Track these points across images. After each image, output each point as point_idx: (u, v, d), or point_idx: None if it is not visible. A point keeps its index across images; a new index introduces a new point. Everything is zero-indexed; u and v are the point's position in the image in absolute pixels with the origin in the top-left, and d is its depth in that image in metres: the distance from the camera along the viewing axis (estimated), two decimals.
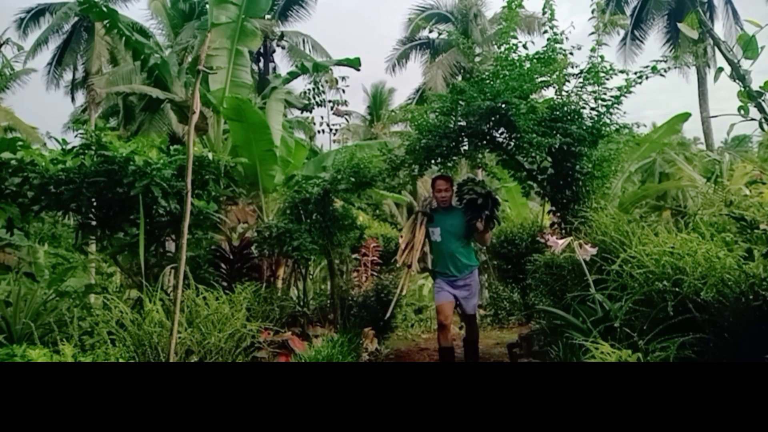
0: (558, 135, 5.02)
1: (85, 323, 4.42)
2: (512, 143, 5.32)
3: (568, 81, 5.38)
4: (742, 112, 2.55)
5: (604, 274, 3.84)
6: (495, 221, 5.01)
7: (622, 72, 5.19)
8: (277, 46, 20.21)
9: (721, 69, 2.64)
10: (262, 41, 16.66)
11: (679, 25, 2.89)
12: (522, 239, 7.96)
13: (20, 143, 5.02)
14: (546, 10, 5.48)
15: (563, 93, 5.37)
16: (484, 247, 9.20)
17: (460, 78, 19.96)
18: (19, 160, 4.81)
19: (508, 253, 8.18)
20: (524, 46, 5.42)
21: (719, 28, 21.27)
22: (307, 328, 5.83)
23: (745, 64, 2.55)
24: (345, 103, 13.04)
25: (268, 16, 18.21)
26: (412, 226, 5.09)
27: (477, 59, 8.59)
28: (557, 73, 5.33)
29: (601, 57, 5.24)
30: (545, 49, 5.36)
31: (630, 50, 22.22)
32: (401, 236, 5.09)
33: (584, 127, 5.07)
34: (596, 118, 5.18)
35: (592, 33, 5.43)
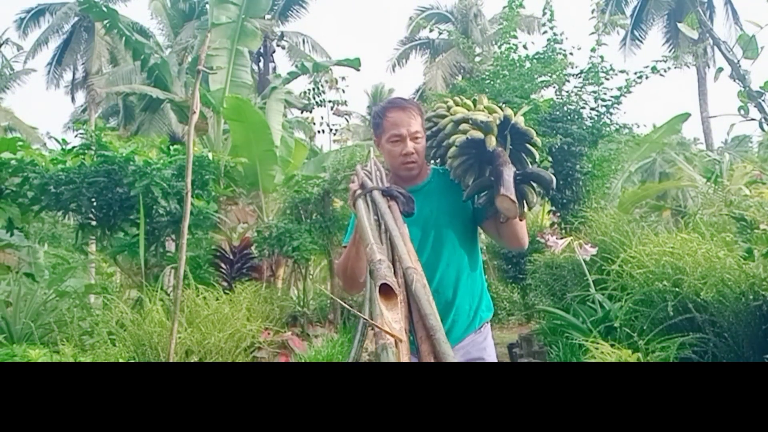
0: (558, 135, 5.03)
1: (85, 323, 4.43)
2: None
3: (568, 81, 5.39)
4: (742, 112, 2.55)
5: (604, 274, 3.84)
6: (540, 187, 1.69)
7: (622, 72, 5.21)
8: (277, 46, 20.21)
9: (721, 69, 2.64)
10: (262, 41, 16.67)
11: (679, 25, 2.89)
12: None
13: (20, 143, 5.02)
14: (546, 10, 5.49)
15: (563, 93, 5.37)
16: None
17: (460, 78, 19.98)
18: (19, 160, 4.80)
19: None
20: (524, 47, 5.43)
21: (719, 28, 21.29)
22: (307, 328, 5.83)
23: (745, 64, 2.55)
24: (345, 103, 13.04)
25: (268, 16, 18.21)
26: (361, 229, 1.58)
27: (477, 59, 8.59)
28: (557, 73, 5.34)
29: (601, 57, 5.25)
30: (545, 49, 5.37)
31: (630, 50, 22.23)
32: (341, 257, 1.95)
33: (584, 127, 5.09)
34: (596, 118, 5.19)
35: (593, 33, 5.45)
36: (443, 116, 1.86)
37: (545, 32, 5.46)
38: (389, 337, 1.00)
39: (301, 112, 14.67)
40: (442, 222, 1.91)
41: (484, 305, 1.97)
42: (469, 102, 1.83)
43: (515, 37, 5.45)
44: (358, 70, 9.76)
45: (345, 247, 1.92)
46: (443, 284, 1.87)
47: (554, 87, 5.44)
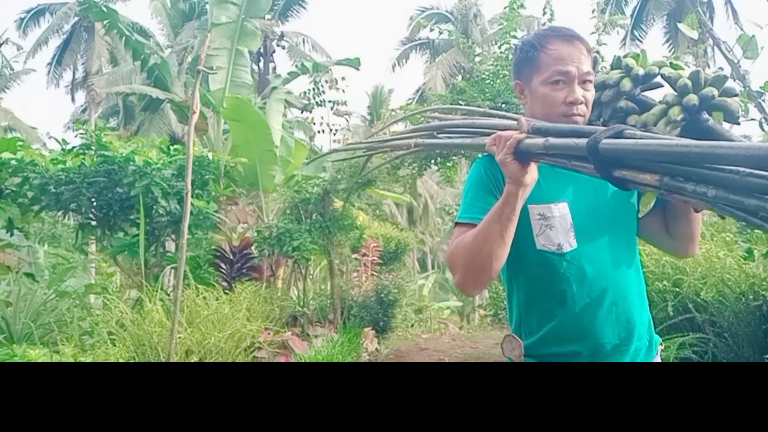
0: None
1: (85, 323, 4.43)
2: None
3: None
4: (742, 112, 2.55)
5: None
6: None
7: None
8: (277, 46, 20.22)
9: (721, 69, 2.64)
10: (262, 41, 16.67)
11: (679, 25, 2.89)
12: None
13: (20, 143, 5.02)
14: (546, 10, 5.50)
15: None
16: None
17: (460, 78, 19.98)
18: (19, 160, 4.81)
19: None
20: None
21: (719, 28, 21.31)
22: (307, 328, 5.83)
23: (745, 64, 2.55)
24: (345, 103, 13.05)
25: (268, 16, 18.21)
26: (503, 209, 1.14)
27: (477, 59, 8.60)
28: None
29: (602, 57, 5.25)
30: None
31: (630, 50, 22.20)
32: (451, 244, 1.28)
33: None
34: None
35: (593, 33, 5.45)
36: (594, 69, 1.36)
37: None
38: None
39: (301, 112, 14.69)
40: (613, 207, 1.32)
41: (651, 322, 1.37)
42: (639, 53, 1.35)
43: (515, 37, 5.46)
44: (358, 69, 9.77)
45: (465, 224, 1.27)
46: (620, 294, 1.28)
47: None
